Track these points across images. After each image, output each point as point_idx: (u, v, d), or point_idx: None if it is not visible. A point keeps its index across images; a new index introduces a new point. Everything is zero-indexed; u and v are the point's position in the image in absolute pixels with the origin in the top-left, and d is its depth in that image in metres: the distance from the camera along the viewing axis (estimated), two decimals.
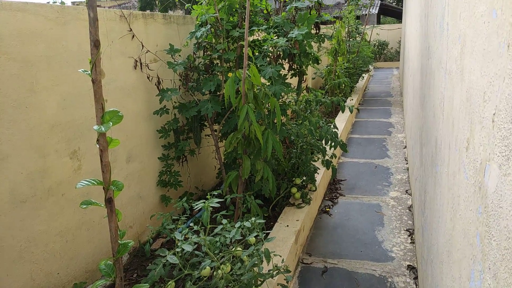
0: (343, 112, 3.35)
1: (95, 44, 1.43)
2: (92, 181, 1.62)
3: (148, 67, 2.96)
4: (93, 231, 2.56)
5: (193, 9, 3.08)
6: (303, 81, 3.46)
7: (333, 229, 3.46)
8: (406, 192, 4.09)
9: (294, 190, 3.48)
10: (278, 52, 3.21)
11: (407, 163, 4.91)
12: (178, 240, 1.85)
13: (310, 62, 3.40)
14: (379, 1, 19.30)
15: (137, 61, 2.88)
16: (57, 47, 2.25)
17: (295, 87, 3.62)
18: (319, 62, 3.56)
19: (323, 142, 3.35)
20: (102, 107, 1.50)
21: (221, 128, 3.20)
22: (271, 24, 3.31)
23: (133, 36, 2.83)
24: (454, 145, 1.32)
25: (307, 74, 3.45)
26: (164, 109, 3.03)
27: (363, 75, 10.64)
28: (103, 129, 1.47)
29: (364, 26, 11.23)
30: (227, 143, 2.66)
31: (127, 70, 2.81)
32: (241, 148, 2.63)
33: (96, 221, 2.58)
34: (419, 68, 3.23)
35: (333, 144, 3.25)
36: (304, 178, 3.51)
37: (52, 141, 2.25)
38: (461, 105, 1.19)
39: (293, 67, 3.42)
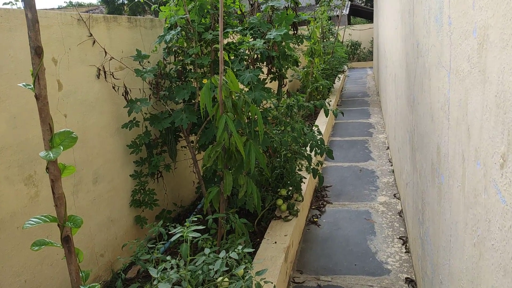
0: (327, 116, 3.17)
1: (37, 52, 1.16)
2: (44, 218, 1.34)
3: (113, 76, 2.67)
4: (57, 267, 2.24)
5: (161, 11, 2.81)
6: (283, 85, 3.25)
7: (323, 241, 3.26)
8: (395, 196, 3.94)
9: (280, 202, 3.26)
10: (256, 55, 2.99)
11: (391, 165, 4.79)
12: (154, 278, 1.58)
13: (290, 64, 3.19)
14: (349, 2, 19.49)
15: (100, 69, 2.59)
16: (3, 57, 1.95)
17: (275, 92, 3.40)
18: (299, 64, 3.36)
19: (308, 149, 3.14)
20: (50, 128, 1.23)
21: (198, 139, 2.94)
22: (246, 25, 3.08)
23: (94, 42, 2.54)
24: (473, 158, 1.12)
25: (287, 78, 3.25)
26: (134, 121, 2.75)
27: (339, 75, 10.59)
28: (51, 155, 1.19)
29: (337, 26, 11.21)
30: (205, 157, 2.40)
31: (89, 80, 2.51)
32: (221, 163, 2.38)
33: (60, 254, 2.26)
34: (403, 67, 3.08)
35: (318, 151, 3.05)
36: (290, 188, 3.29)
37: (1, 166, 1.94)
38: (485, 112, 1.00)
39: (272, 70, 3.20)
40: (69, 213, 2.38)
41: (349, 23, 22.14)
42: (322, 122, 6.03)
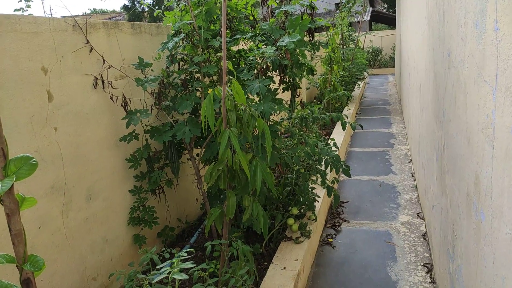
0: (344, 130, 2.90)
1: None
2: (0, 258, 1.13)
3: (111, 86, 2.49)
4: None
5: (165, 16, 2.62)
6: (296, 96, 3.00)
7: (338, 265, 2.97)
8: (418, 215, 3.61)
9: (291, 221, 2.99)
10: (267, 63, 2.76)
11: (414, 180, 4.45)
12: None
13: (304, 73, 2.94)
14: (371, 8, 19.07)
15: (97, 78, 2.40)
16: None
17: (287, 102, 3.16)
18: (314, 73, 3.11)
19: (323, 165, 2.88)
20: (3, 153, 1.02)
21: (202, 153, 2.72)
22: (257, 32, 2.86)
23: (91, 50, 2.36)
24: None
25: (301, 88, 3.00)
26: (133, 134, 2.55)
27: (359, 82, 10.24)
28: (1, 187, 0.98)
29: (357, 32, 10.88)
30: (206, 176, 2.17)
31: (85, 90, 2.33)
32: (224, 182, 2.15)
33: None
34: (430, 77, 2.79)
35: (333, 168, 2.78)
36: (303, 206, 3.03)
37: None
38: None
39: (285, 79, 2.96)
40: (58, 235, 2.19)
41: (370, 29, 21.71)
42: (340, 132, 5.73)
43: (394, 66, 15.58)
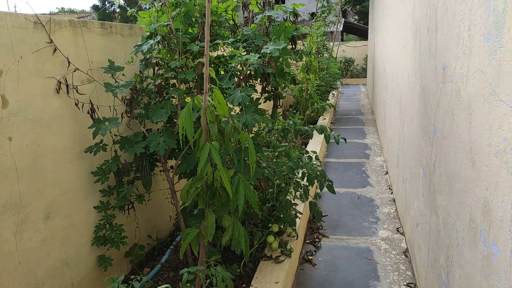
0: (327, 142, 2.78)
1: None
2: None
3: (77, 90, 2.24)
4: None
5: (139, 16, 2.40)
6: (279, 106, 2.85)
7: (320, 285, 2.82)
8: (398, 231, 3.54)
9: (270, 239, 2.82)
10: (249, 71, 2.59)
11: (391, 193, 4.40)
12: None
13: (287, 83, 2.80)
14: (343, 19, 19.42)
15: (61, 82, 2.15)
16: None
17: (269, 113, 3.00)
18: (297, 83, 2.97)
19: (305, 179, 2.73)
20: None
21: (178, 165, 2.51)
22: (239, 37, 2.69)
23: (54, 50, 2.11)
24: None
25: (284, 98, 2.86)
26: (101, 145, 2.31)
27: (333, 92, 10.29)
28: None
29: (332, 42, 10.98)
30: (183, 193, 1.97)
31: (46, 95, 2.07)
32: (203, 201, 1.95)
33: None
34: (416, 90, 2.72)
35: (318, 184, 2.64)
36: (283, 224, 2.87)
37: None
38: None
39: (267, 89, 2.80)
40: (9, 260, 1.90)
41: (342, 40, 22.10)
42: (317, 142, 5.64)
43: (366, 77, 15.87)
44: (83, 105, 2.27)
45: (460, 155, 1.57)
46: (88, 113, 2.28)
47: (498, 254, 1.16)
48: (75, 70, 2.21)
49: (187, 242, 2.04)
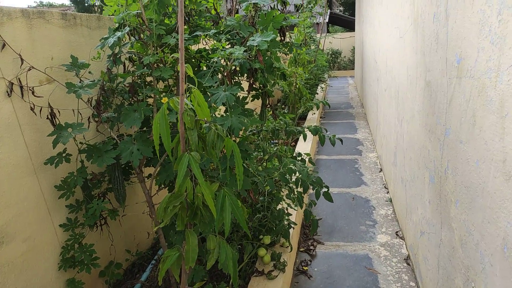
0: (322, 145, 2.52)
1: None
2: None
3: (33, 93, 1.91)
4: None
5: (105, 5, 2.08)
6: (268, 105, 2.57)
7: None
8: (397, 235, 3.31)
9: (262, 252, 2.56)
10: (234, 67, 2.30)
11: (387, 192, 4.19)
12: None
13: (277, 79, 2.52)
14: (329, 10, 19.14)
15: (13, 83, 1.83)
16: None
17: (257, 112, 2.72)
18: (287, 78, 2.69)
19: (299, 186, 2.46)
20: None
21: (156, 177, 2.21)
22: (222, 28, 2.39)
23: (3, 45, 1.78)
24: None
25: (273, 96, 2.57)
26: (64, 155, 1.99)
27: (322, 85, 10.05)
28: None
29: (319, 34, 10.71)
30: (159, 211, 1.68)
31: None
32: (183, 222, 1.66)
33: None
34: (419, 85, 2.47)
35: (311, 190, 2.38)
36: (276, 236, 2.61)
37: None
38: None
39: (255, 86, 2.52)
40: None
41: (328, 31, 21.84)
42: (308, 139, 5.39)
43: (353, 69, 15.68)
44: (41, 109, 1.95)
45: (487, 165, 1.32)
46: (47, 118, 1.96)
47: None
48: (29, 69, 1.89)
49: (166, 267, 1.75)
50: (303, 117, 7.23)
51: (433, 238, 2.13)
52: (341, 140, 2.62)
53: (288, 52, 2.69)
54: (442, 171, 1.91)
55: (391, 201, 3.96)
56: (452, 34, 1.71)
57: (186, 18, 2.47)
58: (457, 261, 1.69)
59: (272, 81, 2.50)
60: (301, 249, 3.21)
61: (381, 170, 4.86)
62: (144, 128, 2.25)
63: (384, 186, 4.37)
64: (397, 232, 3.36)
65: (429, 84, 2.16)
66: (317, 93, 9.00)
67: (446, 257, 1.87)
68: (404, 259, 2.97)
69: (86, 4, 18.33)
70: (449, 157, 1.79)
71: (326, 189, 2.38)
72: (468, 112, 1.50)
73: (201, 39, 2.51)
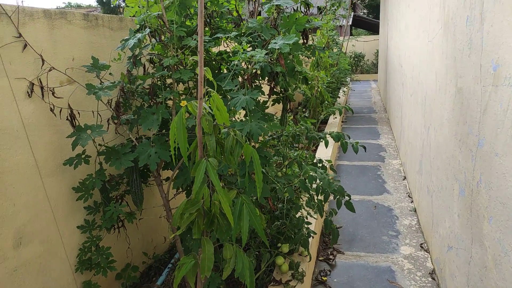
0: (345, 152, 2.43)
1: None
2: None
3: (53, 93, 1.91)
4: None
5: (127, 6, 2.06)
6: (288, 110, 2.50)
7: None
8: (421, 247, 3.17)
9: (280, 260, 2.49)
10: (255, 70, 2.24)
11: (412, 201, 4.03)
12: None
13: (299, 83, 2.45)
14: (353, 13, 18.86)
15: (33, 84, 1.83)
16: None
17: (277, 116, 2.65)
18: (309, 83, 2.61)
19: (319, 194, 2.38)
20: None
21: (174, 180, 2.17)
22: (243, 31, 2.35)
23: (25, 46, 1.79)
24: None
25: (294, 100, 2.50)
26: (83, 157, 1.98)
27: (344, 89, 9.89)
28: None
29: (342, 37, 10.56)
30: (176, 218, 1.64)
31: (14, 99, 1.75)
32: (199, 230, 1.62)
33: None
34: (449, 92, 2.34)
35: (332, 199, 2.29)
36: (295, 245, 2.53)
37: None
38: None
39: (275, 90, 2.45)
40: None
41: (351, 34, 21.54)
42: (329, 144, 5.27)
43: (376, 72, 15.39)
44: (60, 110, 1.95)
45: None
46: (67, 119, 1.95)
47: None
48: (50, 70, 1.89)
49: (181, 275, 1.70)
50: (325, 121, 7.11)
51: (462, 255, 2.00)
52: (364, 148, 2.52)
53: (310, 56, 2.62)
54: (474, 184, 1.79)
55: (415, 211, 3.81)
56: (488, 39, 1.60)
57: (208, 20, 2.44)
58: (490, 282, 1.57)
59: (294, 85, 2.43)
60: (320, 258, 3.12)
61: (405, 178, 4.70)
62: (163, 131, 2.23)
63: (408, 195, 4.22)
64: (421, 244, 3.22)
65: (460, 91, 2.04)
66: (339, 97, 8.85)
67: (477, 276, 1.75)
68: (429, 273, 2.83)
69: (112, 6, 18.73)
70: (482, 169, 1.67)
71: (348, 198, 2.29)
72: (506, 123, 1.39)
73: (222, 41, 2.47)
